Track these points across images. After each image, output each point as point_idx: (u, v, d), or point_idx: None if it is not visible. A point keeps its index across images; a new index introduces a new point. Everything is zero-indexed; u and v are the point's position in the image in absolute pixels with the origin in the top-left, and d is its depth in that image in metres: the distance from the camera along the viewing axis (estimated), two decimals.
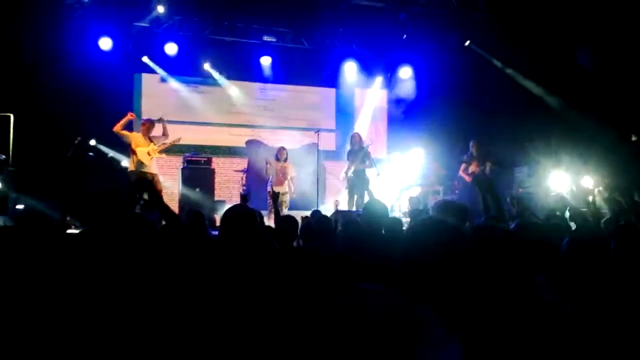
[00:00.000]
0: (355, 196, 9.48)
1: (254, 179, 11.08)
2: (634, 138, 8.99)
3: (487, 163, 9.10)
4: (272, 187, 9.59)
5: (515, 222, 4.08)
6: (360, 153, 9.60)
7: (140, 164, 8.51)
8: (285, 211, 9.45)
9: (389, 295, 1.76)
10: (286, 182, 9.78)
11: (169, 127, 9.02)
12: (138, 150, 8.54)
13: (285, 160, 9.87)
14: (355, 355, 1.68)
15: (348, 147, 9.99)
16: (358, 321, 1.72)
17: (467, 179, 9.29)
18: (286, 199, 9.76)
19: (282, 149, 9.98)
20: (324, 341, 1.75)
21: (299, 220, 4.77)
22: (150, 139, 8.74)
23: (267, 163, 9.81)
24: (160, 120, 8.89)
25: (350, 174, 9.62)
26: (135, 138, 8.64)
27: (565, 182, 9.27)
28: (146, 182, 8.24)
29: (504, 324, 1.84)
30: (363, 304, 1.76)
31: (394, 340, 1.63)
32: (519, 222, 4.05)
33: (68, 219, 8.65)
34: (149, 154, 8.58)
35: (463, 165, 9.40)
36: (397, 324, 1.65)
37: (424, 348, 1.61)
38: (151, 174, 8.57)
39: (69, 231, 7.28)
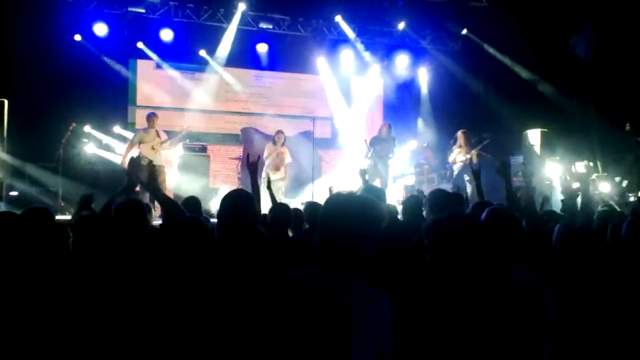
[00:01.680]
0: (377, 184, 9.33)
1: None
2: (628, 127, 9.01)
3: (473, 152, 9.17)
4: (267, 172, 9.54)
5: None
6: (388, 142, 9.56)
7: (144, 159, 8.68)
8: (282, 198, 9.41)
9: (316, 273, 1.85)
10: (283, 167, 9.71)
11: (166, 113, 9.11)
12: (142, 146, 8.78)
13: (283, 144, 9.78)
14: (299, 339, 1.76)
15: (375, 134, 9.95)
16: (297, 305, 1.79)
17: (456, 167, 9.38)
18: (282, 185, 9.69)
19: (279, 132, 9.83)
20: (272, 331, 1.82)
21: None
22: (158, 133, 8.92)
23: (266, 147, 9.78)
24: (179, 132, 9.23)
25: (372, 161, 9.39)
26: (140, 137, 8.85)
27: (558, 170, 9.30)
28: (142, 167, 8.33)
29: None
30: (298, 288, 1.83)
31: (329, 315, 1.72)
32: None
33: (63, 204, 8.67)
34: (153, 148, 8.79)
35: (451, 154, 9.51)
36: (328, 298, 1.75)
37: (357, 307, 1.72)
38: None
39: (64, 217, 7.29)
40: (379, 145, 9.50)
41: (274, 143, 9.75)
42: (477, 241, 1.94)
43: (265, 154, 9.70)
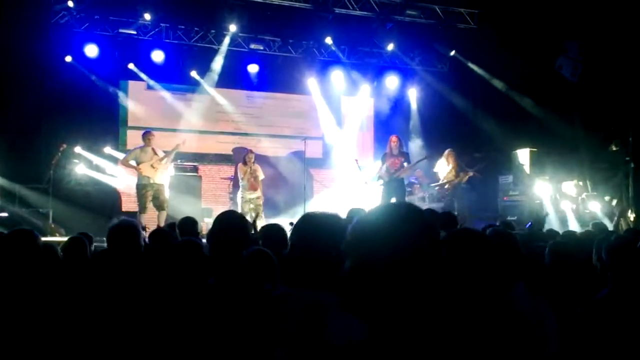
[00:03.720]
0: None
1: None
2: (614, 147, 9.14)
3: (469, 172, 9.15)
4: (244, 193, 9.46)
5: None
6: (399, 157, 9.06)
7: (145, 178, 8.60)
8: (262, 217, 9.39)
9: (293, 294, 1.86)
10: (258, 185, 9.56)
11: (157, 134, 9.10)
12: (142, 165, 8.63)
13: (254, 163, 9.61)
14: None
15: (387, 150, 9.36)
16: (274, 327, 1.79)
17: (448, 186, 9.37)
18: (260, 202, 9.56)
19: (249, 152, 9.73)
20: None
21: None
22: (154, 150, 8.78)
23: (238, 168, 9.69)
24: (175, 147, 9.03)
25: (387, 179, 8.97)
26: (137, 156, 8.71)
27: (548, 190, 9.38)
28: None
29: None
30: (275, 310, 1.83)
31: (307, 334, 1.72)
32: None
33: (53, 225, 8.60)
34: (152, 166, 8.65)
35: (443, 169, 9.51)
36: (305, 318, 1.75)
37: (332, 325, 1.72)
38: (158, 184, 8.70)
39: (54, 238, 7.24)
40: (389, 161, 9.06)
41: (245, 163, 9.55)
42: (492, 258, 1.94)
43: (240, 175, 9.57)
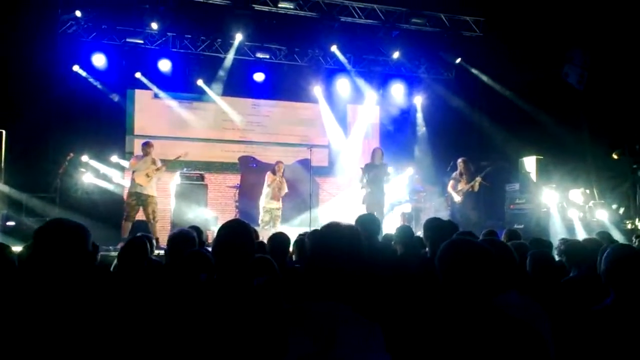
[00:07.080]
0: (375, 212, 9.28)
1: (247, 195, 11.09)
2: (615, 156, 9.09)
3: (477, 179, 9.18)
4: (266, 201, 9.57)
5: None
6: (381, 168, 9.41)
7: (138, 186, 8.64)
8: (278, 226, 9.46)
9: (310, 307, 1.85)
10: (280, 198, 9.73)
11: (164, 142, 9.16)
12: (136, 174, 8.69)
13: (282, 175, 9.75)
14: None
15: (368, 160, 9.77)
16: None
17: (456, 197, 9.33)
18: (279, 214, 9.73)
19: (279, 162, 9.83)
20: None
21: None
22: (154, 160, 8.87)
23: (267, 176, 9.78)
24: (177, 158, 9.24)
25: (369, 188, 9.29)
26: (134, 164, 8.81)
27: (554, 198, 9.33)
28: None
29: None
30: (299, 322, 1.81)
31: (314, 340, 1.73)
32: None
33: None
34: (147, 175, 8.68)
35: (452, 183, 9.49)
36: (324, 331, 1.74)
37: (345, 335, 1.73)
38: (146, 195, 8.68)
39: None
40: (372, 172, 9.35)
41: (274, 173, 9.68)
42: (486, 267, 1.92)
43: (267, 182, 9.67)
